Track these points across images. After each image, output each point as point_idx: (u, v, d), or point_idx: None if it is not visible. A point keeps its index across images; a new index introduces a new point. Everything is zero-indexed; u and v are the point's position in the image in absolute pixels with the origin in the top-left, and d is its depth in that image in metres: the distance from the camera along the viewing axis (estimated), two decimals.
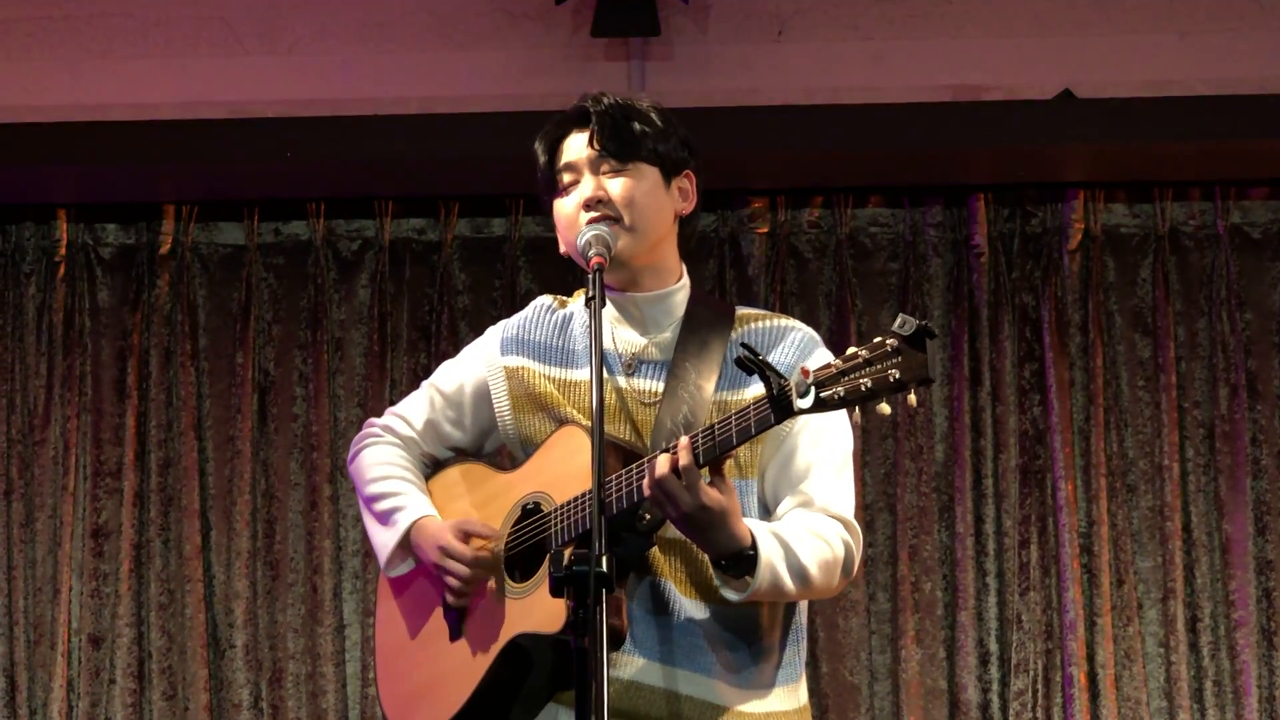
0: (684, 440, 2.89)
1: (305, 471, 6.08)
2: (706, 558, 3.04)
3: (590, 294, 3.01)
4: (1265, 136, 5.83)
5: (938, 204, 6.16)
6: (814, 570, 3.01)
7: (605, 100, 3.22)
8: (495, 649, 3.09)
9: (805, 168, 6.02)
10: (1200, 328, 6.09)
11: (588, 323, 3.22)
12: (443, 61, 6.02)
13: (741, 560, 2.94)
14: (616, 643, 2.99)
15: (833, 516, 3.08)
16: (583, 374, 3.22)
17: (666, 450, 2.91)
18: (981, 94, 5.96)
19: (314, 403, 6.11)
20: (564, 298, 3.36)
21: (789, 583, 2.98)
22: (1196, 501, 6.01)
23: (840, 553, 3.06)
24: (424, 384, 3.42)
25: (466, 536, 3.18)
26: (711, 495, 2.89)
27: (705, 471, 2.92)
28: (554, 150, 3.25)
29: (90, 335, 6.14)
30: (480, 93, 5.96)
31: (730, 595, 2.98)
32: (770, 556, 2.95)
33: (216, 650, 6.02)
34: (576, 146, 3.22)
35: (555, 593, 2.80)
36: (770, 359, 3.07)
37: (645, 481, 2.91)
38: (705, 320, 3.22)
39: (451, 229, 6.17)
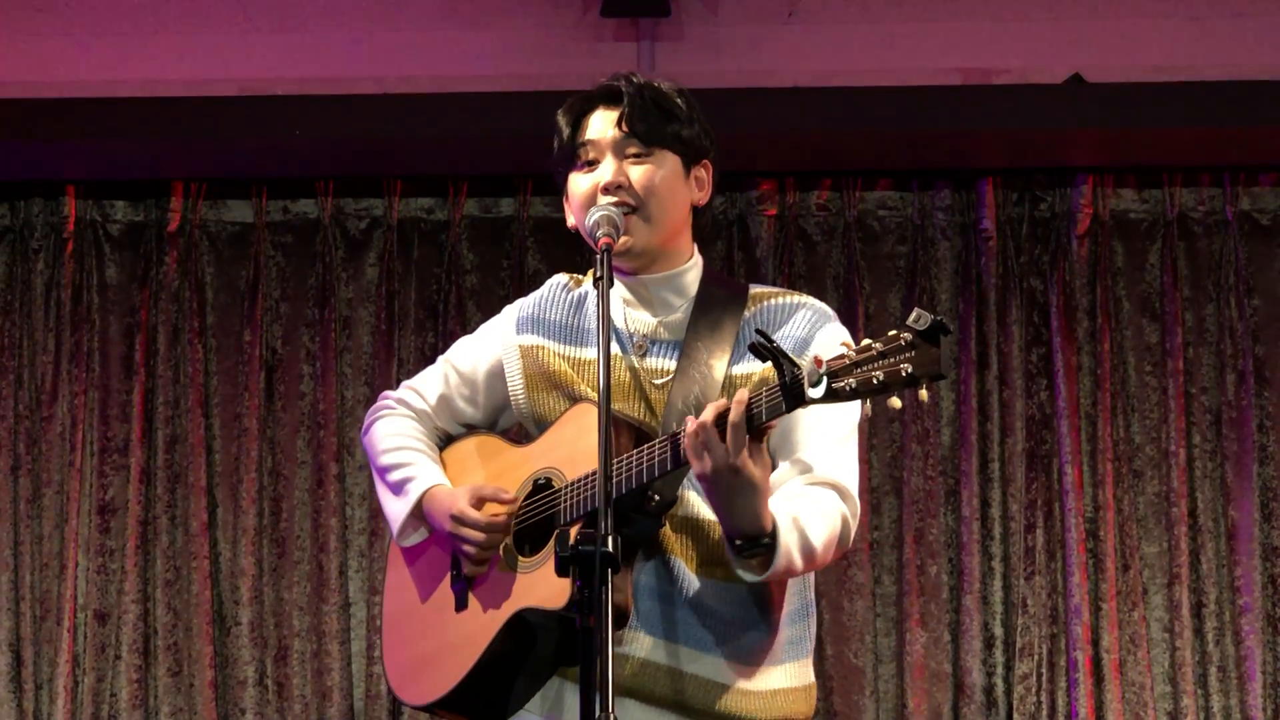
0: (743, 393, 2.84)
1: (312, 450, 6.08)
2: (717, 537, 3.03)
3: (598, 274, 2.99)
4: (1275, 123, 5.82)
5: (946, 188, 6.15)
6: (820, 550, 2.99)
7: (636, 81, 3.20)
8: (500, 621, 3.09)
9: (814, 150, 6.01)
10: (1208, 314, 6.08)
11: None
12: (452, 40, 6.02)
13: (758, 542, 2.92)
14: (621, 621, 2.98)
15: (831, 485, 3.05)
16: (595, 353, 3.19)
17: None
18: (991, 77, 5.95)
19: (321, 381, 6.11)
20: (579, 276, 3.34)
21: (799, 564, 2.97)
22: (1203, 487, 6.01)
23: (838, 527, 3.04)
24: (439, 359, 3.41)
25: (481, 502, 3.17)
26: (747, 461, 2.85)
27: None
28: (578, 124, 3.22)
29: (98, 312, 6.15)
30: (489, 72, 5.96)
31: (746, 576, 2.95)
32: (788, 543, 2.93)
33: (222, 627, 6.03)
34: (601, 124, 3.19)
35: (561, 572, 2.78)
36: (780, 334, 3.07)
37: (689, 428, 2.86)
38: (717, 299, 3.20)
39: (460, 208, 6.17)
